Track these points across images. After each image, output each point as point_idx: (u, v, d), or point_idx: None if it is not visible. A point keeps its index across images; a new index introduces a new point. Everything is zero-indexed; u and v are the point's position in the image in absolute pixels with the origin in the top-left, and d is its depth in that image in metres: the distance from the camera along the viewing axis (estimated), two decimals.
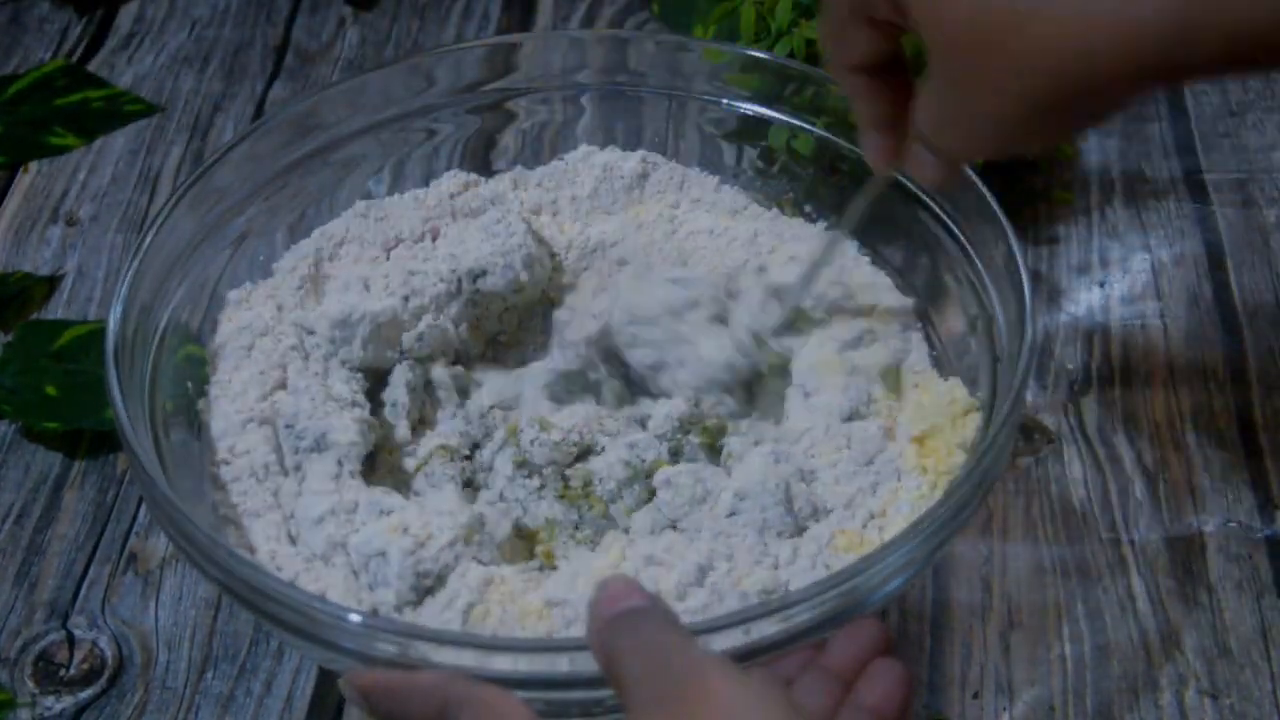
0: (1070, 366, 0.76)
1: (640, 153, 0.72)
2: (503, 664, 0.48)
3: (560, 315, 0.68)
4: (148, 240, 0.60)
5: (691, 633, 0.45)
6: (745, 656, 0.48)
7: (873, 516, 0.58)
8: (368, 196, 0.71)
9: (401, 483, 0.62)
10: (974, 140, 0.49)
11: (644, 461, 0.61)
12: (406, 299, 0.65)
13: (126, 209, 0.87)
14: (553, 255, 0.69)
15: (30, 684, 0.63)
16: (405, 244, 0.68)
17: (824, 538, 0.57)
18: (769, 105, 0.70)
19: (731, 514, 0.57)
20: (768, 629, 0.48)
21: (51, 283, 0.82)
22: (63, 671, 0.64)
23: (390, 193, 0.71)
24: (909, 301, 0.66)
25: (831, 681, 0.47)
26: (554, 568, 0.58)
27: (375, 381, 0.64)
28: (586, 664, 0.45)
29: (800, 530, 0.57)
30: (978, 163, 0.74)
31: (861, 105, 0.55)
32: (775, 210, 0.71)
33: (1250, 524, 0.68)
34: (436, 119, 0.71)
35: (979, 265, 0.62)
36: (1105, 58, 0.43)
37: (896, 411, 0.61)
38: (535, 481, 0.61)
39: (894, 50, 0.53)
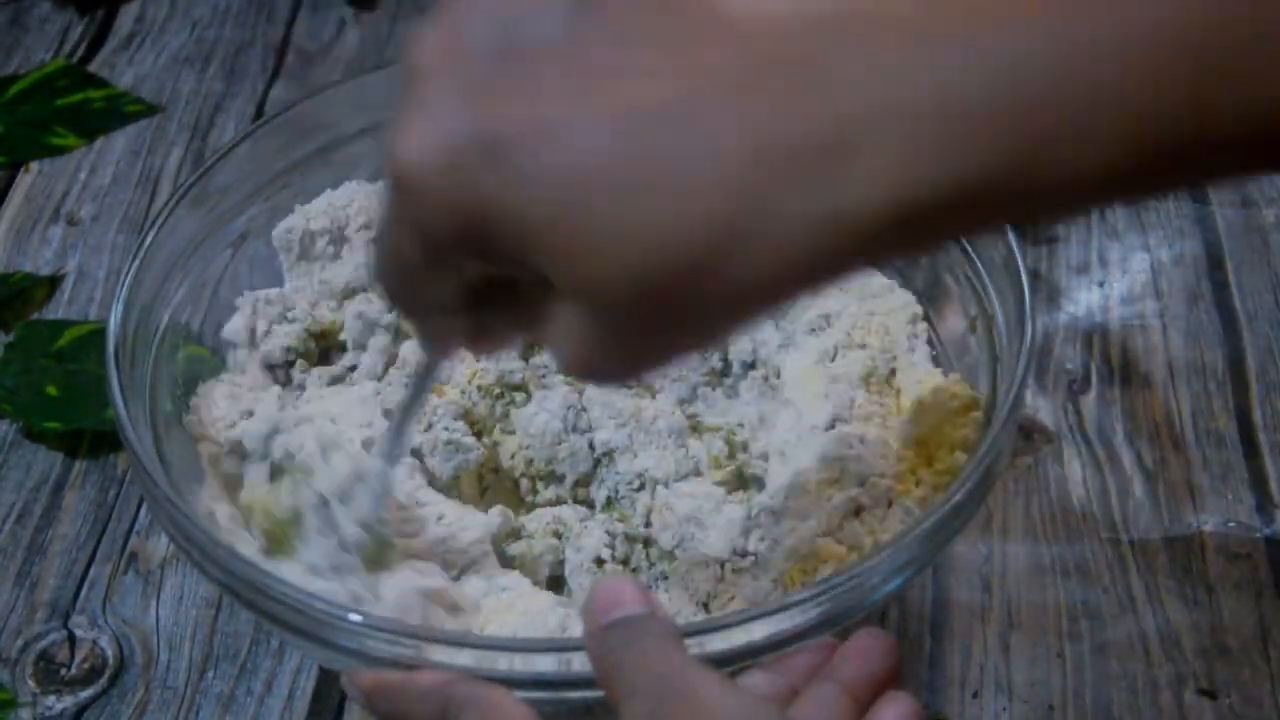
0: (1069, 366, 0.76)
1: None
2: (503, 664, 0.48)
3: None
4: (148, 240, 0.60)
5: (687, 636, 0.45)
6: (745, 656, 0.48)
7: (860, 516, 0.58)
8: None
9: None
10: (629, 377, 0.42)
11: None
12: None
13: (127, 209, 0.87)
14: None
15: (31, 683, 0.63)
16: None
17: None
18: None
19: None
20: (768, 629, 0.48)
21: (52, 283, 0.82)
22: (64, 671, 0.64)
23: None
24: (910, 298, 0.66)
25: (841, 696, 0.47)
26: None
27: None
28: (586, 664, 0.45)
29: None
30: None
31: (429, 330, 0.46)
32: None
33: (1250, 524, 0.69)
34: None
35: (979, 265, 0.62)
36: (803, 280, 0.36)
37: (889, 413, 0.61)
38: None
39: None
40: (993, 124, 0.34)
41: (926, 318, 0.66)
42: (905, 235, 0.35)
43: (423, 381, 0.51)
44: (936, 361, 0.64)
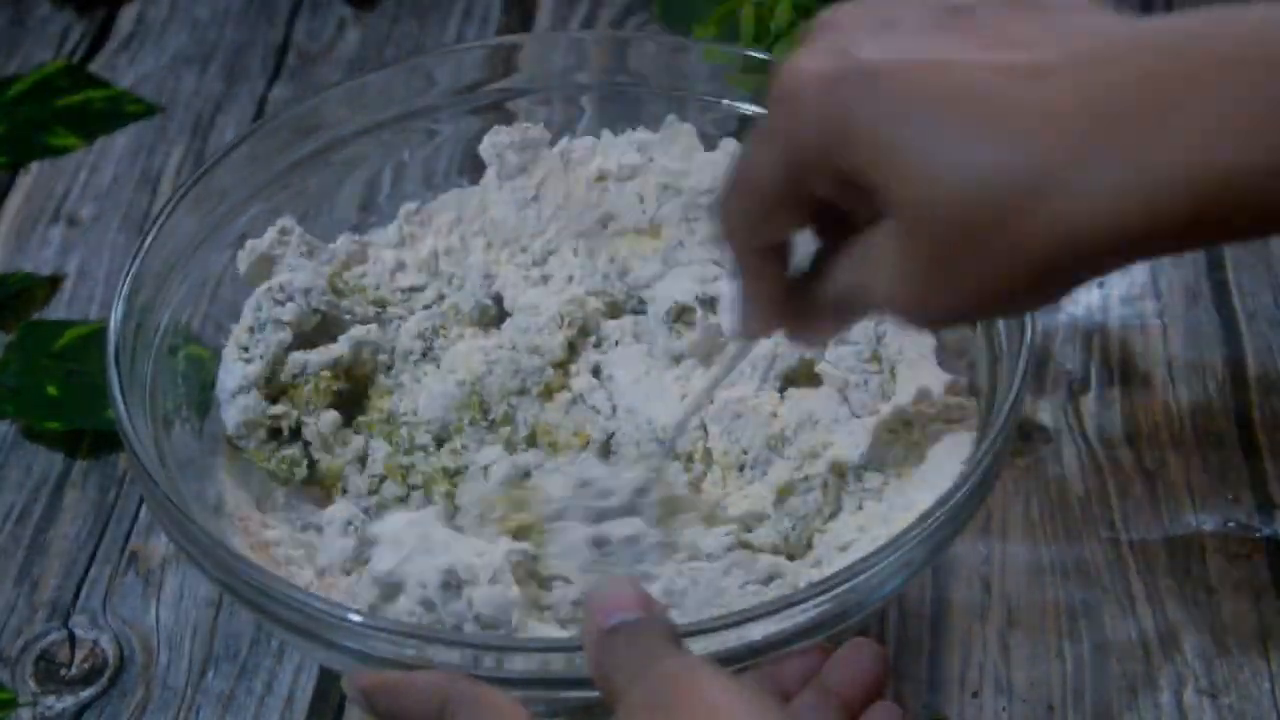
0: (1069, 366, 0.76)
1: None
2: (502, 664, 0.48)
3: None
4: (148, 240, 0.61)
5: (686, 638, 0.45)
6: (745, 656, 0.48)
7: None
8: (364, 207, 0.71)
9: None
10: (954, 312, 0.45)
11: None
12: None
13: (127, 209, 0.87)
14: None
15: (31, 683, 0.64)
16: None
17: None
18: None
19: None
20: (767, 629, 0.48)
21: (52, 283, 0.82)
22: (64, 671, 0.64)
23: (391, 194, 0.72)
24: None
25: (831, 701, 0.47)
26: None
27: None
28: (585, 664, 0.45)
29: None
30: None
31: (753, 283, 0.50)
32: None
33: (1250, 524, 0.69)
34: (437, 120, 0.71)
35: None
36: (1113, 231, 0.40)
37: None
38: None
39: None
40: None
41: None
42: (1191, 226, 0.39)
43: (732, 363, 0.56)
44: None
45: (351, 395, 0.64)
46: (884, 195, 0.42)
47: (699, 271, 0.66)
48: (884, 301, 0.45)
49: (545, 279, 0.68)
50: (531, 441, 0.62)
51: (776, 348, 0.63)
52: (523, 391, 0.63)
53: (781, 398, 0.63)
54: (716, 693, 0.41)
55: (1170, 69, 0.40)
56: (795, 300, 0.49)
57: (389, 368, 0.65)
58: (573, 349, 0.65)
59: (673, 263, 0.67)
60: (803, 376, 0.64)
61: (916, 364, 0.63)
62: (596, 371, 0.65)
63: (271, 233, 0.66)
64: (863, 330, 0.63)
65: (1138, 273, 0.81)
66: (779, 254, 0.49)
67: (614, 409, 0.63)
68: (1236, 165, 0.38)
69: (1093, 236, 0.40)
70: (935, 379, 0.62)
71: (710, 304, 0.65)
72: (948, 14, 0.42)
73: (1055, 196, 0.40)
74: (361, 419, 0.64)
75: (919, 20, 0.43)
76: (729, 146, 0.70)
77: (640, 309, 0.67)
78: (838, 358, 0.64)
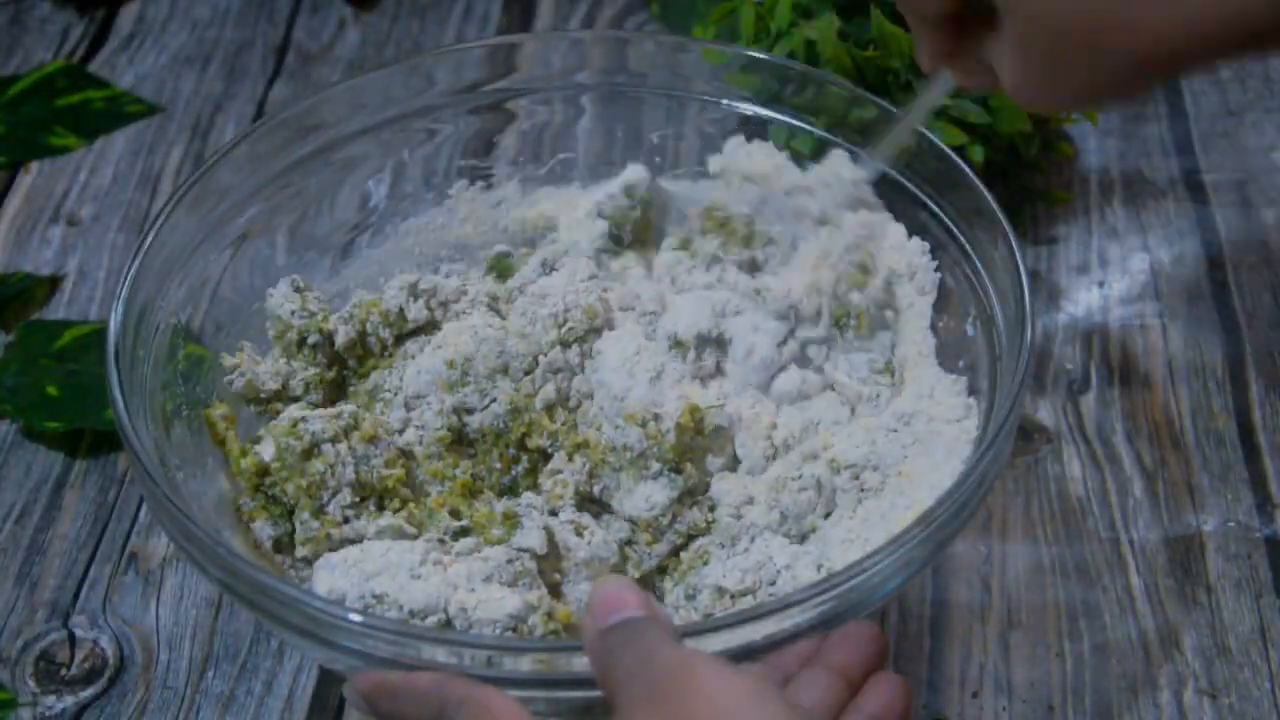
0: (1069, 366, 0.76)
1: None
2: (502, 664, 0.48)
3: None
4: (148, 240, 0.60)
5: (685, 637, 0.46)
6: (745, 656, 0.48)
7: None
8: (364, 207, 0.71)
9: None
10: (1060, 103, 0.53)
11: None
12: None
13: (127, 209, 0.87)
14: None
15: (31, 683, 0.64)
16: None
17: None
18: (769, 105, 0.70)
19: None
20: (768, 628, 0.48)
21: (52, 283, 0.82)
22: (64, 671, 0.64)
23: (390, 193, 0.72)
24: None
25: (832, 677, 0.47)
26: None
27: None
28: (585, 664, 0.45)
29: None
30: (977, 165, 0.74)
31: (932, 39, 0.55)
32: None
33: (1250, 524, 0.69)
34: (436, 119, 0.71)
35: (979, 265, 0.62)
36: (1219, 24, 0.44)
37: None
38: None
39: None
40: None
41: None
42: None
43: (930, 94, 0.61)
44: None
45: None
46: (1001, 4, 0.48)
47: (712, 300, 0.66)
48: (1008, 88, 0.51)
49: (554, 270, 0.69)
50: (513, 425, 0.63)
51: (781, 354, 0.63)
52: (505, 372, 0.63)
53: (777, 409, 0.63)
54: (716, 682, 0.41)
55: None
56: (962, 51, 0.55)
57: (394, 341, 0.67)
58: (565, 345, 0.65)
59: (683, 286, 0.68)
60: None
61: (917, 363, 0.63)
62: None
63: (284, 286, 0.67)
64: (879, 341, 0.64)
65: (1138, 273, 0.81)
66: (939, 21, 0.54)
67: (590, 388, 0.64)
68: None
69: (1173, 38, 0.44)
70: (937, 380, 0.62)
71: (719, 341, 0.65)
72: None
73: (1141, 6, 0.44)
74: (351, 391, 0.65)
75: None
76: (732, 145, 0.70)
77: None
78: (851, 367, 0.64)
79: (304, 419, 0.59)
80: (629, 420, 0.61)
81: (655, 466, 0.60)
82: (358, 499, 0.59)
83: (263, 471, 0.59)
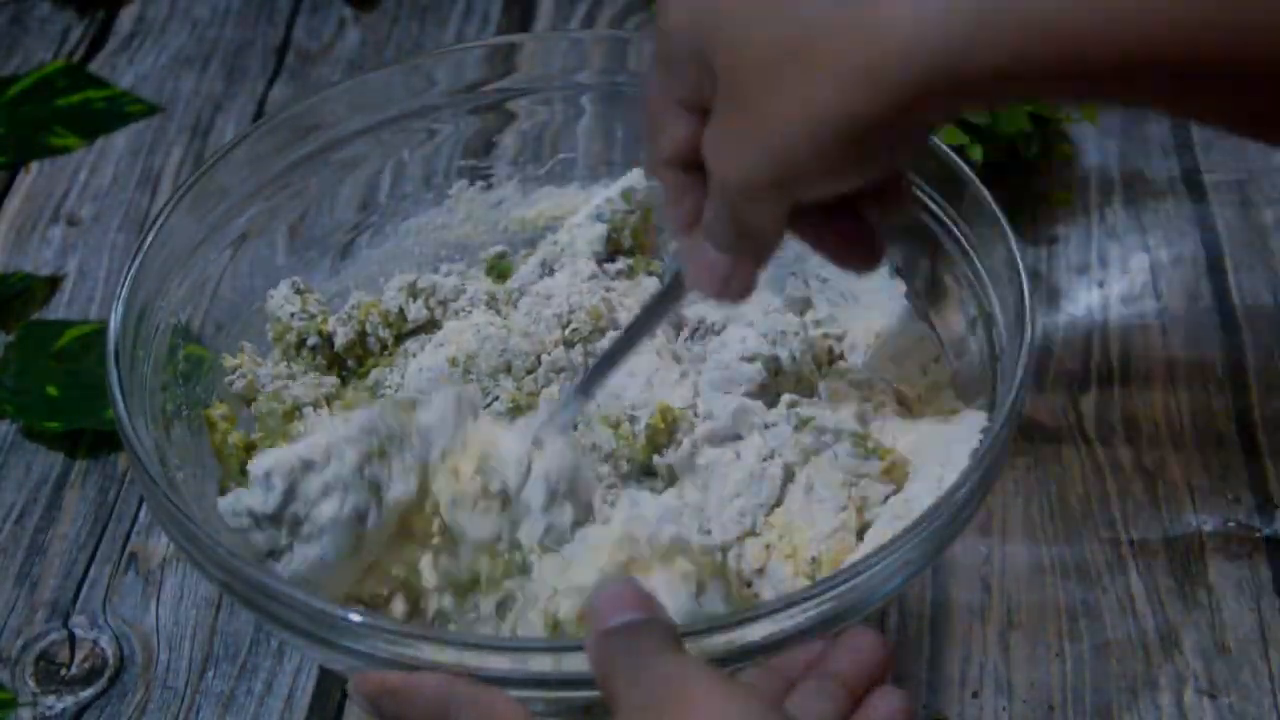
0: (1069, 366, 0.76)
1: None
2: (503, 664, 0.48)
3: None
4: (148, 240, 0.60)
5: (686, 637, 0.45)
6: (745, 656, 0.48)
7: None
8: (364, 207, 0.71)
9: None
10: (754, 166, 0.46)
11: None
12: None
13: (127, 209, 0.87)
14: None
15: (31, 683, 0.64)
16: None
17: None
18: None
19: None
20: (768, 629, 0.48)
21: (52, 283, 0.82)
22: (64, 671, 0.64)
23: (390, 193, 0.72)
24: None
25: (834, 687, 0.47)
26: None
27: None
28: (586, 664, 0.45)
29: None
30: (977, 165, 0.74)
31: (673, 202, 0.51)
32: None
33: (1250, 524, 0.69)
34: (436, 119, 0.71)
35: (979, 265, 0.62)
36: (890, 71, 0.41)
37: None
38: None
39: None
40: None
41: (926, 317, 0.66)
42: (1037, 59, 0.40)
43: (654, 309, 0.56)
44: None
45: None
46: (706, 46, 0.46)
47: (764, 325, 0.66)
48: (722, 170, 0.47)
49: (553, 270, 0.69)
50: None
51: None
52: (507, 370, 0.63)
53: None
54: (711, 696, 0.41)
55: None
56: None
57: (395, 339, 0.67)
58: (569, 345, 0.65)
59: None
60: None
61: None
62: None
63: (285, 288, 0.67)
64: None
65: (1137, 273, 0.81)
66: (696, 177, 0.50)
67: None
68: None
69: (860, 77, 0.42)
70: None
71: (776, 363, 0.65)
72: None
73: (826, 35, 0.42)
74: (351, 389, 0.65)
75: None
76: None
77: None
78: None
79: (286, 387, 0.60)
80: (602, 423, 0.61)
81: (625, 466, 0.61)
82: None
83: (249, 447, 0.59)
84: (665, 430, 0.61)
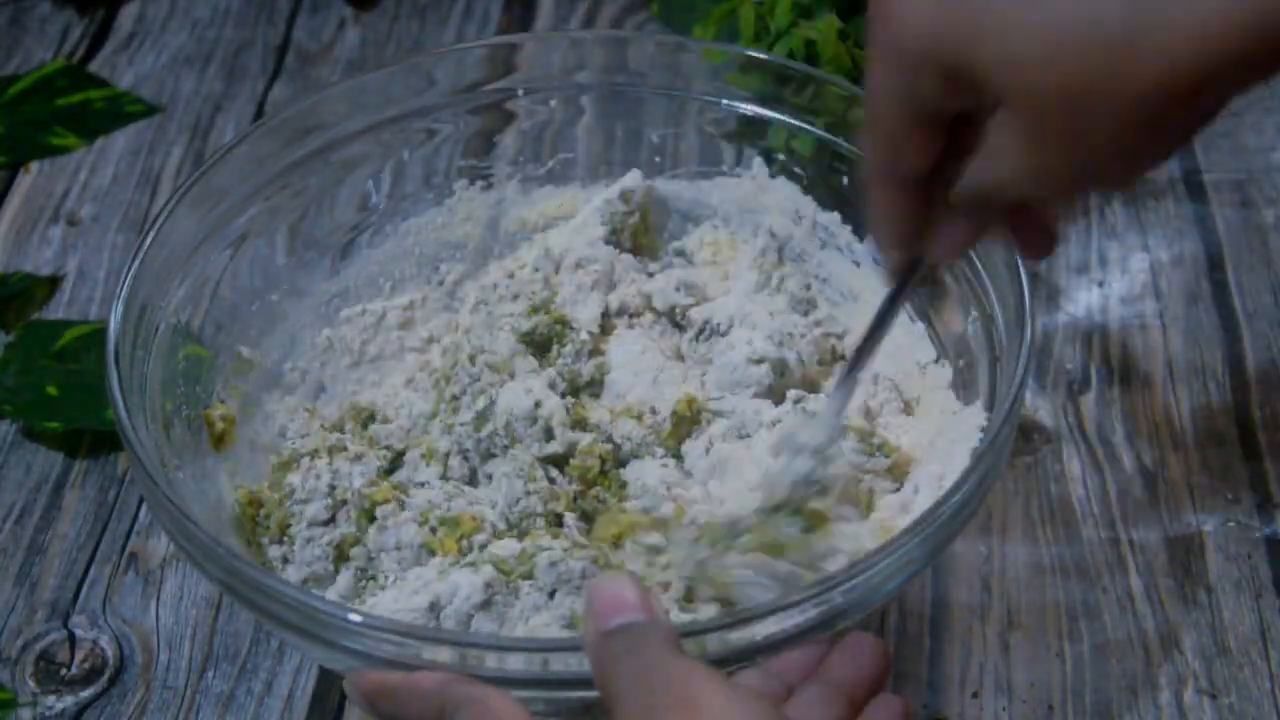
0: (1069, 366, 0.76)
1: None
2: (502, 664, 0.48)
3: None
4: (148, 240, 0.61)
5: (687, 636, 0.45)
6: (745, 656, 0.48)
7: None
8: (364, 207, 0.71)
9: None
10: (1079, 182, 0.47)
11: None
12: None
13: (127, 209, 0.87)
14: None
15: (31, 683, 0.64)
16: None
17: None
18: (769, 105, 0.70)
19: None
20: (768, 628, 0.48)
21: (52, 283, 0.82)
22: (64, 671, 0.64)
23: (390, 193, 0.72)
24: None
25: (834, 694, 0.47)
26: None
27: None
28: (586, 664, 0.45)
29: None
30: None
31: (897, 218, 0.51)
32: None
33: (1250, 524, 0.69)
34: (436, 119, 0.71)
35: (978, 265, 0.62)
36: (1211, 66, 0.41)
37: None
38: None
39: (942, 152, 0.49)
40: None
41: (926, 317, 0.66)
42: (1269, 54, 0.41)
43: (892, 303, 0.55)
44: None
45: None
46: (993, 81, 0.43)
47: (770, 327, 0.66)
48: (1014, 185, 0.46)
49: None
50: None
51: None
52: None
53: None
54: (715, 697, 0.41)
55: None
56: (929, 218, 0.50)
57: None
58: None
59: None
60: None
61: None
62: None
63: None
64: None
65: (1138, 273, 0.81)
66: (918, 192, 0.50)
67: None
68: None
69: (1195, 65, 0.41)
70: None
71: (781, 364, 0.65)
72: None
73: (1151, 33, 0.40)
74: None
75: None
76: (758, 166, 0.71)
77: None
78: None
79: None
80: (625, 414, 0.62)
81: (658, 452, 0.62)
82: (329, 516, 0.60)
83: (255, 502, 0.60)
84: (690, 419, 0.62)
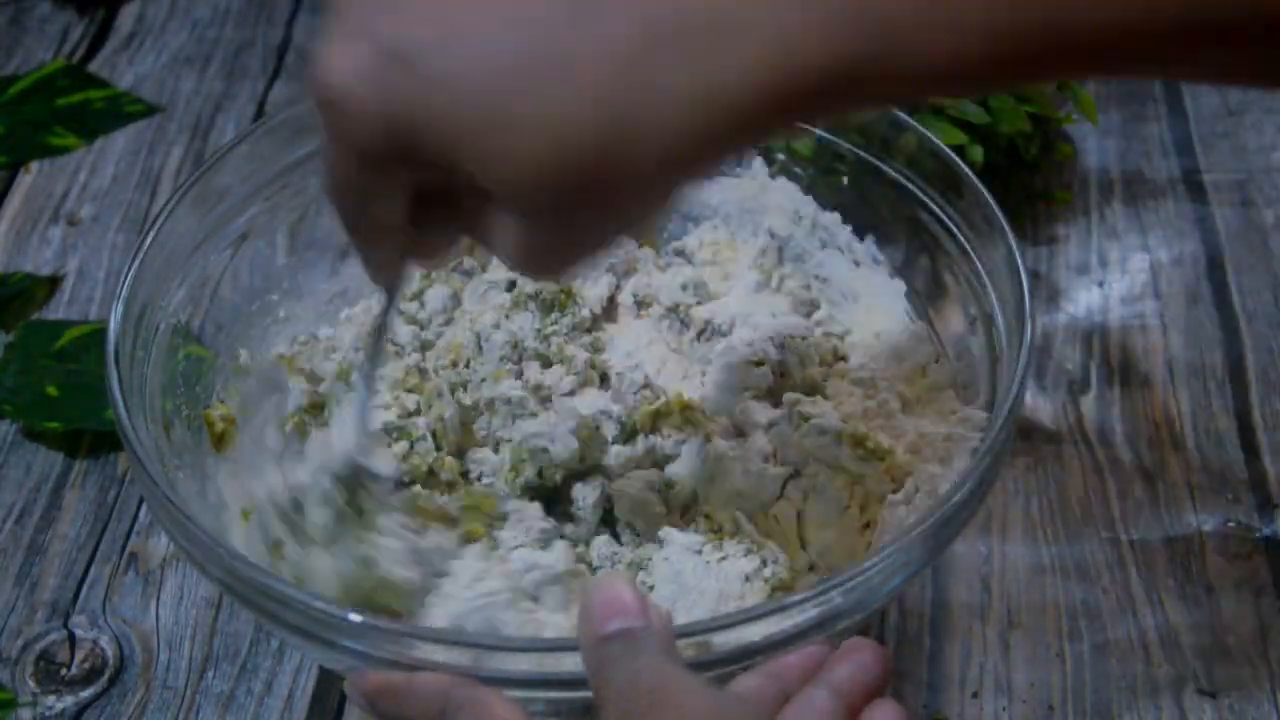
0: (1069, 366, 0.76)
1: None
2: (502, 664, 0.48)
3: None
4: (148, 240, 0.60)
5: (685, 638, 0.45)
6: (744, 656, 0.48)
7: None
8: None
9: None
10: (561, 263, 0.44)
11: None
12: None
13: (127, 209, 0.87)
14: None
15: (31, 683, 0.64)
16: None
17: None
18: None
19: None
20: (768, 629, 0.48)
21: (52, 283, 0.82)
22: (64, 671, 0.64)
23: None
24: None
25: (831, 698, 0.47)
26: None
27: None
28: (582, 665, 0.45)
29: None
30: (977, 165, 0.74)
31: (376, 255, 0.47)
32: None
33: (1250, 524, 0.69)
34: None
35: (979, 265, 0.62)
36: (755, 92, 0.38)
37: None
38: None
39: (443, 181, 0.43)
40: (856, 12, 0.38)
41: (926, 317, 0.66)
42: (782, 113, 0.39)
43: (381, 318, 0.52)
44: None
45: None
46: (477, 177, 0.40)
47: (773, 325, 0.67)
48: (504, 261, 0.44)
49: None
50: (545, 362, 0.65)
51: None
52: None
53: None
54: (699, 704, 0.41)
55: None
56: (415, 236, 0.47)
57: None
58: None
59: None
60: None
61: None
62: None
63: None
64: None
65: (1137, 273, 0.81)
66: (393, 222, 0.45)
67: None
68: (791, 77, 0.38)
69: (675, 161, 0.39)
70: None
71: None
72: None
73: (630, 138, 0.38)
74: None
75: None
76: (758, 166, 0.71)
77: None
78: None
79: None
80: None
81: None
82: None
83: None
84: (669, 416, 0.62)
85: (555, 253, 0.42)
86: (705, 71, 0.38)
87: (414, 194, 0.44)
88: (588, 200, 0.39)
